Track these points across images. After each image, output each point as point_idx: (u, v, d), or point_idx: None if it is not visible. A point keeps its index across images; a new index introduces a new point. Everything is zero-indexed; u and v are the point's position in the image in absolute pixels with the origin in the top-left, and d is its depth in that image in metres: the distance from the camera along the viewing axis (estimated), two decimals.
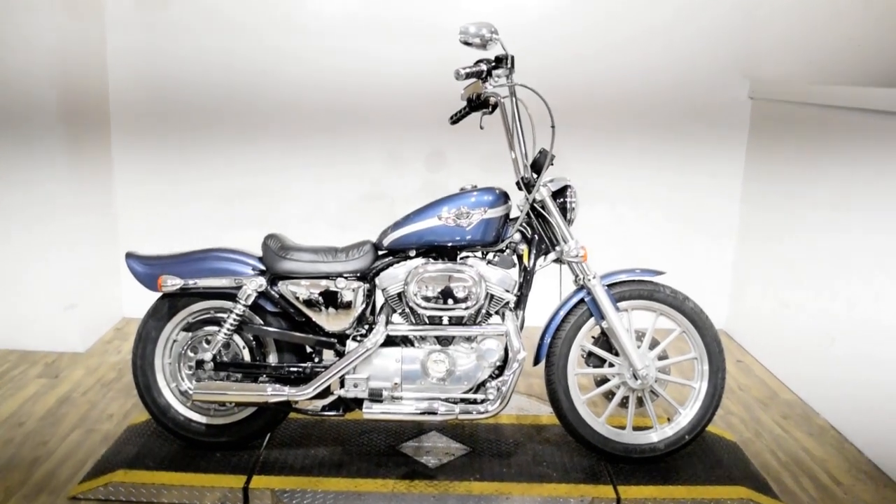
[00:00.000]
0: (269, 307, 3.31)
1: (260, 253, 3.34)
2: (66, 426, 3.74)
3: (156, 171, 5.09)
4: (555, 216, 3.27)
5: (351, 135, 5.03)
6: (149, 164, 5.07)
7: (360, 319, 3.30)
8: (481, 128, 3.49)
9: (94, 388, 4.17)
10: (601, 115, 5.01)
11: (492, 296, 3.26)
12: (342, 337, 3.31)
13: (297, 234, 4.90)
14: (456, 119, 3.48)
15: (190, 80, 4.95)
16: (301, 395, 3.20)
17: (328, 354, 3.41)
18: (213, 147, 5.06)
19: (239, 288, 3.25)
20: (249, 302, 3.24)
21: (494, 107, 3.30)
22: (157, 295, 3.35)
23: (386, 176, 5.08)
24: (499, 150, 3.71)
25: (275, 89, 4.97)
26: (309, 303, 3.25)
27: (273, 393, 3.20)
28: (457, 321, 3.26)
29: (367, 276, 3.31)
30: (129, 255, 3.34)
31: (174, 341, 3.40)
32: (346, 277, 3.26)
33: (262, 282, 3.23)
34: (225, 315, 3.35)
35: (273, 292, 3.28)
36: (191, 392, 3.27)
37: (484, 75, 3.22)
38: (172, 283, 3.23)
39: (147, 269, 3.31)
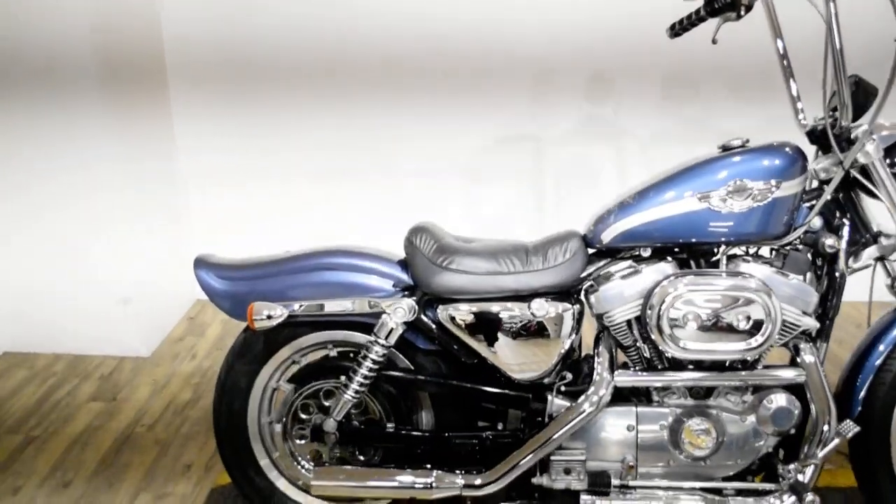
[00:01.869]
0: (421, 343, 2.11)
1: (402, 254, 2.12)
2: (126, 489, 2.66)
3: (225, 134, 3.89)
4: (887, 188, 1.95)
5: (472, 70, 3.70)
6: (216, 128, 3.88)
7: (565, 360, 2.08)
8: (714, 42, 2.17)
9: (164, 419, 3.08)
10: None
11: (783, 321, 1.98)
12: (537, 389, 2.09)
13: (419, 211, 3.72)
14: (680, 29, 2.18)
15: (262, 27, 3.68)
16: (484, 486, 2.01)
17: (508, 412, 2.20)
18: (295, 102, 3.81)
19: (375, 315, 2.04)
20: (393, 340, 2.04)
21: (749, 7, 2.00)
22: None
23: (528, 111, 3.76)
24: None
25: (379, 31, 3.66)
26: (486, 337, 2.03)
27: (439, 484, 2.02)
28: (719, 364, 2.01)
29: (574, 293, 2.06)
30: (200, 263, 2.16)
31: (274, 389, 2.24)
32: (545, 296, 2.02)
33: (410, 306, 2.02)
34: (352, 353, 2.17)
35: (427, 320, 2.06)
36: (308, 478, 2.12)
37: None
38: (272, 314, 2.03)
39: (228, 286, 2.12)
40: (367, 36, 3.68)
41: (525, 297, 2.03)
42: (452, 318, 2.03)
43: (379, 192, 3.88)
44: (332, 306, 2.05)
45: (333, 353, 2.19)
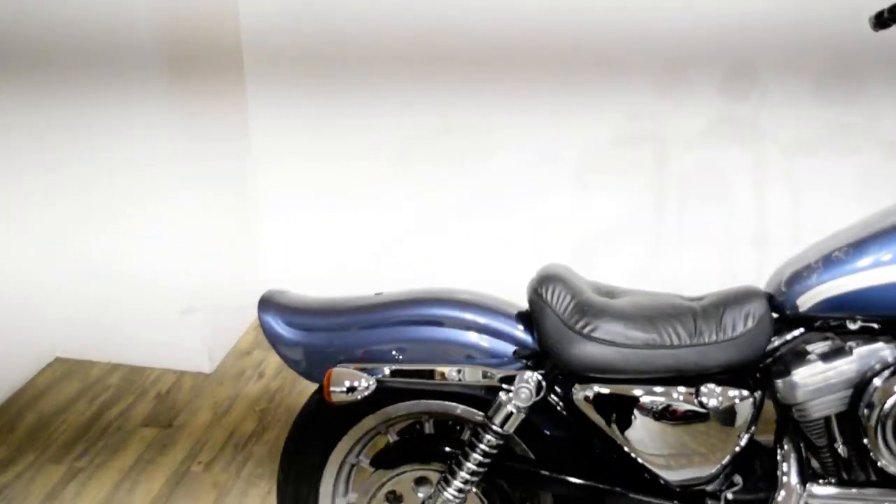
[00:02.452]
0: (546, 425, 1.63)
1: (521, 302, 1.64)
2: None
3: (304, 132, 3.45)
4: None
5: (588, 56, 3.16)
6: (294, 123, 3.44)
7: (736, 461, 1.57)
8: None
9: (224, 455, 2.69)
10: None
11: None
12: (696, 496, 1.59)
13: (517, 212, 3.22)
14: (890, 18, 1.66)
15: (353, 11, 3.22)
16: None
17: None
18: (387, 96, 3.34)
19: (489, 388, 1.57)
20: (512, 428, 1.56)
21: None
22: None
23: (653, 108, 3.21)
24: None
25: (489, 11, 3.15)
26: (633, 428, 1.54)
27: None
28: None
29: (753, 373, 1.55)
30: (267, 305, 1.71)
31: (353, 465, 1.79)
32: (716, 378, 1.51)
33: (537, 384, 1.53)
34: (452, 425, 1.70)
35: (556, 399, 1.58)
36: None
37: None
38: (355, 385, 1.57)
39: (301, 337, 1.68)
40: (473, 14, 3.17)
41: (690, 377, 1.52)
42: (591, 402, 1.54)
43: (473, 190, 3.40)
44: (434, 374, 1.59)
45: (429, 427, 1.73)
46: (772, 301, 1.56)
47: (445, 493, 1.59)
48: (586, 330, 1.51)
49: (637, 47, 3.13)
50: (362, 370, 1.60)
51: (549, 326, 1.53)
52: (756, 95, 3.14)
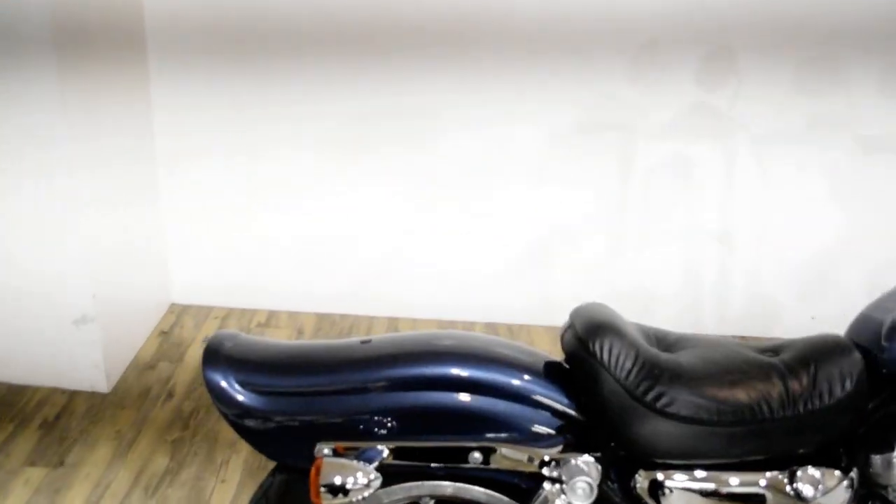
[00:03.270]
0: None
1: (545, 354, 1.29)
2: None
3: (216, 115, 2.98)
4: None
5: (546, 34, 2.81)
6: (205, 107, 2.97)
7: None
8: None
9: (133, 503, 2.22)
10: None
11: None
12: None
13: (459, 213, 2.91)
14: None
15: None
16: None
17: None
18: (299, 72, 2.90)
19: (530, 479, 1.20)
20: None
21: None
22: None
23: (622, 93, 2.90)
24: None
25: None
26: None
27: None
28: None
29: (853, 447, 1.25)
30: (213, 358, 1.27)
31: None
32: (811, 458, 1.21)
33: (596, 475, 1.18)
34: None
35: (612, 487, 1.23)
36: None
37: None
38: (353, 481, 1.17)
39: (261, 403, 1.25)
40: None
41: (780, 461, 1.21)
42: (659, 492, 1.20)
43: (418, 180, 3.02)
44: (451, 456, 1.21)
45: None
46: (866, 355, 1.26)
47: None
48: (660, 403, 1.17)
49: (607, 27, 2.80)
50: (351, 450, 1.20)
51: (607, 396, 1.18)
52: (733, 84, 2.87)
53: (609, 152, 2.96)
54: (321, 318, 3.17)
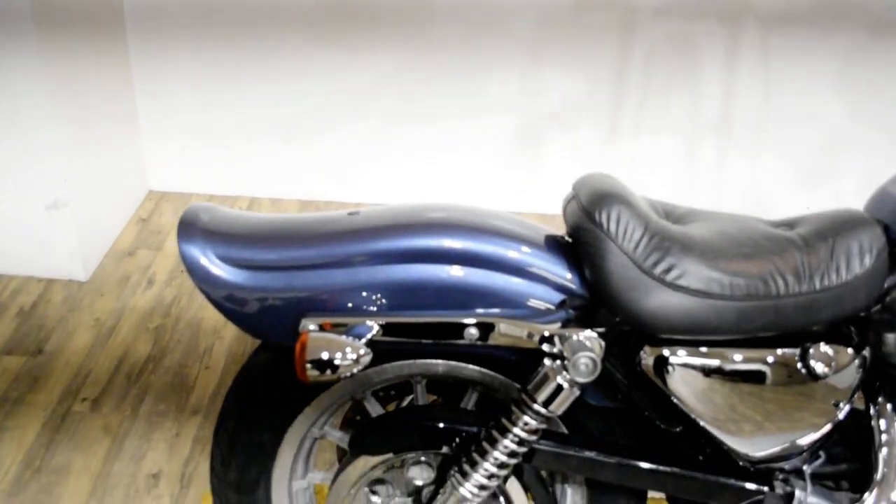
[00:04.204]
0: (592, 393, 1.21)
1: (546, 228, 1.20)
2: None
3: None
4: None
5: None
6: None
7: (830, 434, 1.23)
8: None
9: (114, 389, 2.17)
10: None
11: None
12: (769, 474, 1.25)
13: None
14: None
15: None
16: None
17: None
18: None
19: (519, 351, 1.14)
20: (562, 409, 1.14)
21: None
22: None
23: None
24: None
25: None
26: (714, 398, 1.16)
27: None
28: None
29: (856, 325, 1.19)
30: (188, 231, 1.18)
31: (315, 440, 1.34)
32: (823, 335, 1.15)
33: (599, 351, 1.11)
34: (452, 383, 1.28)
35: (615, 365, 1.17)
36: None
37: None
38: (341, 356, 1.09)
39: (243, 279, 1.17)
40: None
41: (792, 335, 1.15)
42: (664, 369, 1.14)
43: (403, 59, 2.87)
44: (445, 333, 1.14)
45: (422, 392, 1.29)
46: (888, 230, 1.19)
47: (461, 490, 1.18)
48: (670, 275, 1.09)
49: None
50: (339, 327, 1.12)
51: (613, 269, 1.10)
52: None
53: (607, 33, 2.81)
54: (305, 204, 3.07)
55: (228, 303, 1.17)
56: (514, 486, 1.27)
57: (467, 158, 3.00)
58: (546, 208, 2.94)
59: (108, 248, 2.78)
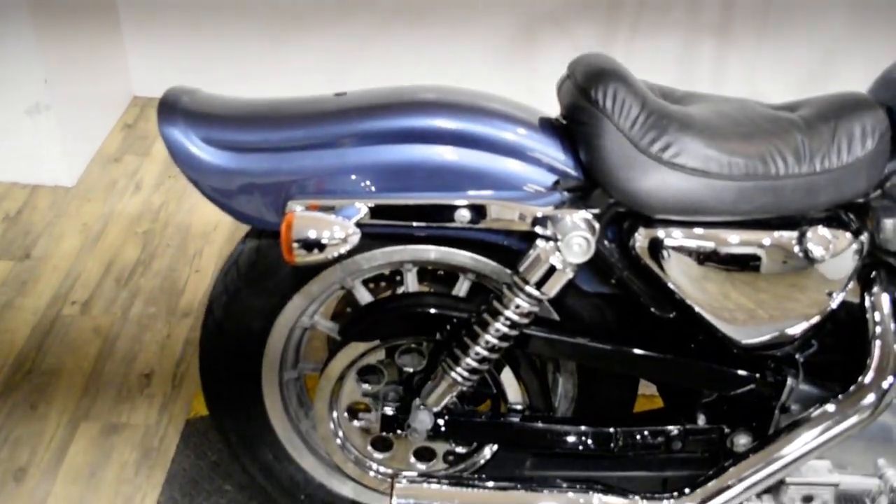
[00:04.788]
0: (584, 277, 1.19)
1: (541, 111, 1.16)
2: (58, 412, 1.79)
3: None
4: None
5: None
6: None
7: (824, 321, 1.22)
8: None
9: (104, 292, 2.15)
10: None
11: None
12: (761, 360, 1.25)
13: None
14: None
15: None
16: None
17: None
18: None
19: (510, 233, 1.12)
20: (554, 291, 1.12)
21: None
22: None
23: None
24: None
25: None
26: (707, 281, 1.14)
27: None
28: None
29: (854, 211, 1.17)
30: (169, 112, 1.15)
31: (306, 329, 1.33)
32: (825, 220, 1.12)
33: (593, 231, 1.08)
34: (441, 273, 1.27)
35: (608, 247, 1.15)
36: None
37: None
38: (329, 235, 1.06)
39: (226, 161, 1.13)
40: None
41: (791, 219, 1.12)
42: (659, 251, 1.12)
43: None
44: (436, 215, 1.11)
45: (412, 280, 1.27)
46: (889, 114, 1.15)
47: (452, 374, 1.17)
48: (667, 154, 1.06)
49: None
50: (326, 210, 1.09)
51: (609, 147, 1.06)
52: None
53: None
54: None
55: (214, 187, 1.14)
56: (507, 377, 1.27)
57: (461, 60, 2.92)
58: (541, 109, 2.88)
59: (93, 153, 2.72)
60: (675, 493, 1.22)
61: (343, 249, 1.05)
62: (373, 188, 1.11)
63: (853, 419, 1.18)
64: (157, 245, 2.33)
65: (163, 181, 2.61)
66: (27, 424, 1.77)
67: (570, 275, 1.09)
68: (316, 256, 1.05)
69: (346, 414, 1.30)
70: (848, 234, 1.14)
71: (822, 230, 1.11)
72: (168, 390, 1.87)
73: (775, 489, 1.24)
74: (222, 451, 1.68)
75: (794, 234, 1.11)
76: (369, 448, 1.31)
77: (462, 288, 1.27)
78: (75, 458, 1.71)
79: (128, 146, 2.78)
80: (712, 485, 1.21)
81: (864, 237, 1.15)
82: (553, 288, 1.10)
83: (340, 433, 1.32)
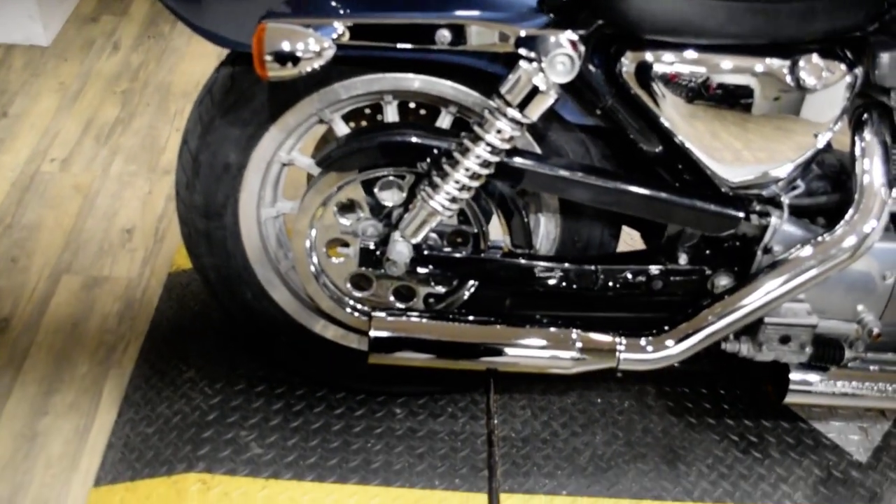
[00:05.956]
0: (567, 107, 1.15)
1: None
2: (39, 265, 1.78)
3: None
4: None
5: None
6: None
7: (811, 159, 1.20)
8: None
9: (83, 150, 2.11)
10: None
11: None
12: (747, 200, 1.22)
13: None
14: None
15: None
16: (659, 353, 1.22)
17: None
18: None
19: (496, 58, 1.07)
20: (537, 114, 1.08)
21: None
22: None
23: None
24: None
25: None
26: (695, 111, 1.11)
27: (588, 352, 1.20)
28: None
29: (849, 45, 1.12)
30: None
31: (283, 165, 1.30)
32: (820, 50, 1.08)
33: (578, 50, 1.04)
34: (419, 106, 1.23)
35: (593, 72, 1.10)
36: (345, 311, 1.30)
37: None
38: (302, 48, 1.01)
39: None
40: None
41: (785, 47, 1.08)
42: (646, 75, 1.07)
43: None
44: (416, 36, 1.06)
45: (392, 112, 1.23)
46: None
47: (431, 203, 1.14)
48: None
49: None
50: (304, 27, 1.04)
51: None
52: None
53: None
54: None
55: (184, 6, 1.08)
56: (487, 214, 1.25)
57: None
58: None
59: (69, 13, 2.62)
60: (654, 331, 1.23)
61: (317, 64, 1.01)
62: (351, 8, 1.06)
63: (833, 260, 1.17)
64: (136, 104, 2.27)
65: (142, 41, 2.52)
66: (8, 277, 1.76)
67: (553, 97, 1.05)
68: (290, 71, 1.01)
69: (324, 250, 1.29)
70: (842, 66, 1.09)
71: (816, 59, 1.06)
72: (150, 244, 1.86)
73: (753, 329, 1.25)
74: (206, 302, 1.69)
75: (787, 61, 1.07)
76: (348, 286, 1.30)
77: (444, 123, 1.23)
78: (58, 310, 1.71)
79: (104, 6, 2.67)
80: (690, 323, 1.21)
81: (859, 71, 1.11)
82: (536, 111, 1.06)
83: (319, 267, 1.31)
